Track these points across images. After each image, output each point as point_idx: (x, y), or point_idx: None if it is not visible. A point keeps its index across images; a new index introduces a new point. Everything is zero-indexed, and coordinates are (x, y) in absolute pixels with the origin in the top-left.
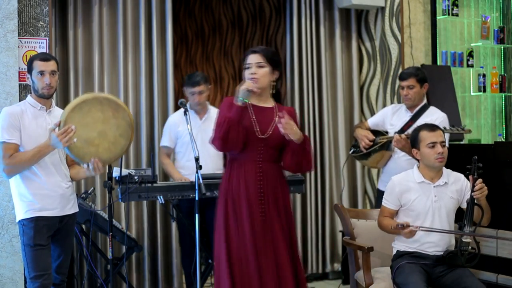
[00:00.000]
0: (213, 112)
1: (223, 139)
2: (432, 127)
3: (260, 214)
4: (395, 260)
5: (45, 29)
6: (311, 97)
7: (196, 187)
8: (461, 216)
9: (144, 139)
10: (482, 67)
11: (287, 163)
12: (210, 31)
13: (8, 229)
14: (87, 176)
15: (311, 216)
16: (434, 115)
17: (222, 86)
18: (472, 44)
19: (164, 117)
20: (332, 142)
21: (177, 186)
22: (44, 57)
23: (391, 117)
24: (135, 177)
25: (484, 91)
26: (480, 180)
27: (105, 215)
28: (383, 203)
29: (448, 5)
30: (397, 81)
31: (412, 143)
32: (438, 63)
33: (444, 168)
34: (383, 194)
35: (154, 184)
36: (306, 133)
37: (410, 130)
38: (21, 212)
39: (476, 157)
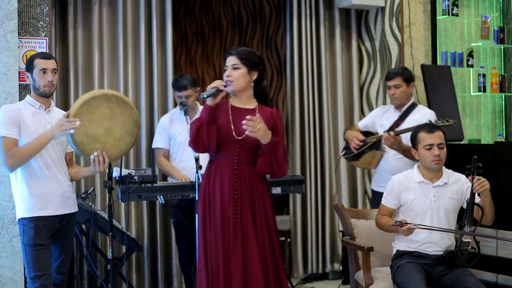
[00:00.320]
0: None
1: (193, 139)
2: (431, 128)
3: (232, 217)
4: (395, 260)
5: (45, 29)
6: (311, 97)
7: (196, 187)
8: (461, 216)
9: (144, 139)
10: (482, 67)
11: (257, 167)
12: (210, 31)
13: (8, 229)
14: (88, 175)
15: (311, 216)
16: (422, 112)
17: None
18: (472, 44)
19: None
20: (332, 142)
21: (177, 186)
22: (45, 56)
23: (380, 118)
24: (135, 177)
25: (484, 91)
26: (478, 177)
27: (105, 215)
28: (382, 202)
29: (448, 5)
30: None
31: (411, 143)
32: (438, 63)
33: (444, 169)
34: (377, 194)
35: (154, 184)
36: (306, 133)
37: (399, 129)
38: (22, 211)
39: (475, 157)
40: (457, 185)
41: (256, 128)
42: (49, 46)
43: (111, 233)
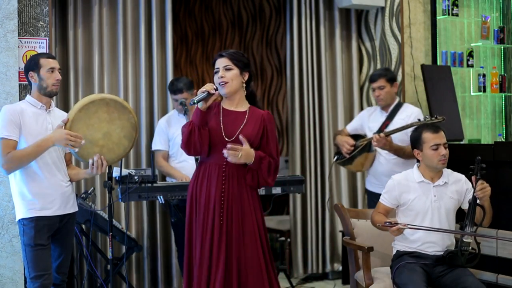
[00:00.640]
0: None
1: (185, 143)
2: (435, 129)
3: (218, 219)
4: (395, 260)
5: (45, 29)
6: (311, 97)
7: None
8: (462, 216)
9: (144, 139)
10: (482, 67)
11: (247, 181)
12: (210, 31)
13: (8, 229)
14: (87, 177)
15: (311, 216)
16: (408, 111)
17: None
18: (472, 44)
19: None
20: (332, 142)
21: (177, 186)
22: (51, 56)
23: (368, 120)
24: (135, 177)
25: (484, 91)
26: (481, 181)
27: (105, 215)
28: (380, 199)
29: (448, 5)
30: (397, 81)
31: (413, 143)
32: (438, 63)
33: (444, 168)
34: (372, 194)
35: (154, 184)
36: (306, 133)
37: (387, 129)
38: (22, 212)
39: (479, 157)
40: (457, 185)
41: (238, 156)
42: (49, 46)
43: (111, 233)
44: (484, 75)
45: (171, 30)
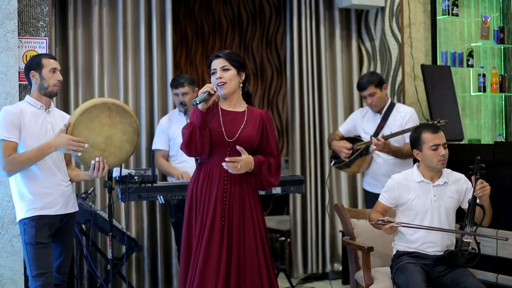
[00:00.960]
0: None
1: (186, 144)
2: (435, 129)
3: (220, 219)
4: (395, 260)
5: (45, 29)
6: (311, 97)
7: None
8: (462, 216)
9: (144, 139)
10: (482, 67)
11: (251, 183)
12: (210, 31)
13: (8, 229)
14: (87, 179)
15: (311, 216)
16: (402, 111)
17: None
18: (472, 44)
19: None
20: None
21: (177, 186)
22: (53, 56)
23: (361, 122)
24: (135, 177)
25: (484, 91)
26: (481, 180)
27: (105, 215)
28: (379, 198)
29: (448, 5)
30: (397, 81)
31: (412, 143)
32: (438, 63)
33: (444, 168)
34: (370, 194)
35: (154, 184)
36: (306, 133)
37: (384, 132)
38: (22, 212)
39: (479, 157)
40: (457, 185)
41: (237, 168)
42: (49, 46)
43: (111, 233)
44: (484, 75)
45: (171, 30)
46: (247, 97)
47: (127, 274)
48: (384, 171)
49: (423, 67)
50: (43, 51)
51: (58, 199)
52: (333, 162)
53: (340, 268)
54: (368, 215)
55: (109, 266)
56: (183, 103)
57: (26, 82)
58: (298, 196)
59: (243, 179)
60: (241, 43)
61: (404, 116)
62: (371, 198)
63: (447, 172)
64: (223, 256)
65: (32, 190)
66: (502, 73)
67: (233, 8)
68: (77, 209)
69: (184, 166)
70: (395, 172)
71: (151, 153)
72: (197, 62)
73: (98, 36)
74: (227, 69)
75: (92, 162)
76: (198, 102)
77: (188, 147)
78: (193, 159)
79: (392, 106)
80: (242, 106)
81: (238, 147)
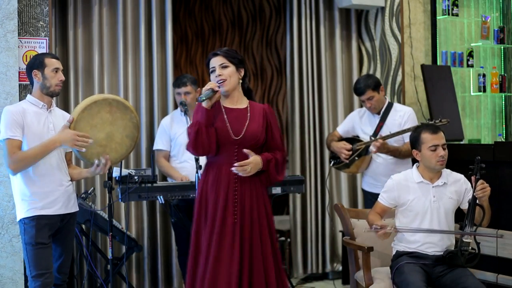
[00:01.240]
0: None
1: (193, 144)
2: (434, 129)
3: (232, 217)
4: (395, 260)
5: (45, 29)
6: (311, 97)
7: (196, 187)
8: (462, 216)
9: (144, 139)
10: (482, 67)
11: (262, 180)
12: (210, 31)
13: (8, 229)
14: (89, 176)
15: (311, 216)
16: (401, 111)
17: None
18: (472, 44)
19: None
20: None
21: (177, 186)
22: (56, 56)
23: (359, 122)
24: (135, 177)
25: (484, 91)
26: (481, 181)
27: (105, 215)
28: (378, 199)
29: (448, 5)
30: (397, 81)
31: (412, 143)
32: (438, 63)
33: (443, 169)
34: (369, 194)
35: (154, 184)
36: (306, 133)
37: (383, 132)
38: (22, 211)
39: (479, 157)
40: (456, 185)
41: (247, 171)
42: (49, 46)
43: (111, 233)
44: (484, 75)
45: (171, 30)
46: (248, 93)
47: (127, 274)
48: (383, 171)
49: (423, 67)
50: (43, 51)
51: (59, 199)
52: (332, 162)
53: (340, 268)
54: (367, 216)
55: (109, 266)
56: (183, 103)
57: (26, 82)
58: (298, 196)
59: (252, 177)
60: (241, 43)
61: (403, 116)
62: (370, 198)
63: (446, 172)
64: (235, 255)
65: (33, 189)
66: (502, 73)
67: (233, 8)
68: (77, 209)
69: (185, 166)
70: (394, 172)
71: (151, 153)
72: (197, 62)
73: (98, 36)
74: (226, 66)
75: (96, 161)
76: (204, 98)
77: (195, 146)
78: (193, 159)
79: (390, 106)
80: (244, 103)
81: (245, 150)
